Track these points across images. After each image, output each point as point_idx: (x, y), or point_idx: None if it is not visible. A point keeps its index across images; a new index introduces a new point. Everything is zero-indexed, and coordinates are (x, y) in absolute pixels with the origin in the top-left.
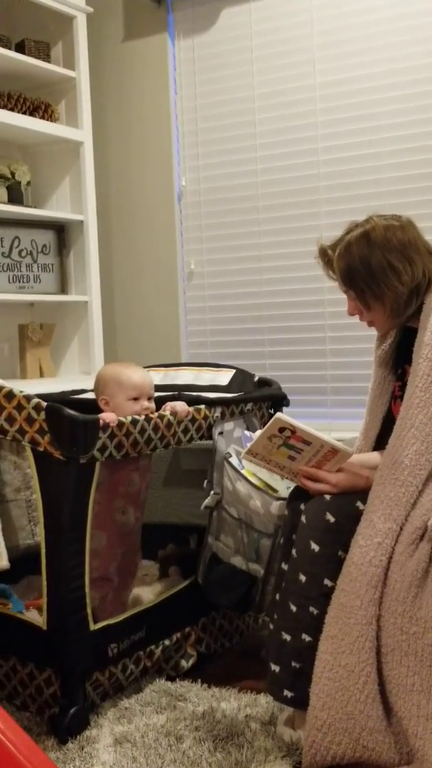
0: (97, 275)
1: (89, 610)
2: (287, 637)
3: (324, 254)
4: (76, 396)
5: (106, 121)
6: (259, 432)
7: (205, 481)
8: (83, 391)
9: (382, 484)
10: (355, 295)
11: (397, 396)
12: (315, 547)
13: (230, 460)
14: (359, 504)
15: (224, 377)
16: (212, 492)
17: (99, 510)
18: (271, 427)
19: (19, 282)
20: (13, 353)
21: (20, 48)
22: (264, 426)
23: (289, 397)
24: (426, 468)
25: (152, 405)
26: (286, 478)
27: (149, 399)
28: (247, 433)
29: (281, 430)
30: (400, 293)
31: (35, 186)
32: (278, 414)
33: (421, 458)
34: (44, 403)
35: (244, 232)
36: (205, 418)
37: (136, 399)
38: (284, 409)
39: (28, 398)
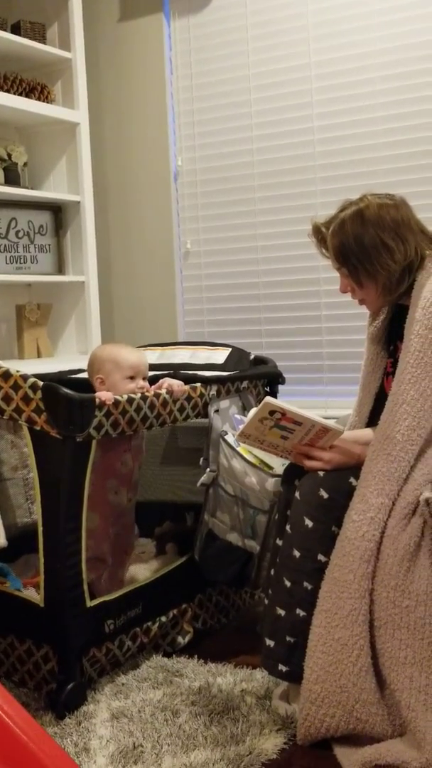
0: (93, 255)
1: (86, 587)
2: (282, 612)
3: (318, 232)
4: (74, 375)
5: (102, 102)
6: (252, 412)
7: (201, 459)
8: (81, 370)
9: (375, 460)
10: (348, 273)
11: (389, 372)
12: (309, 522)
13: (226, 437)
14: (352, 480)
15: (220, 355)
16: (208, 469)
17: (92, 491)
18: (261, 410)
19: (17, 263)
20: (10, 333)
21: (16, 29)
22: (258, 405)
23: (285, 375)
24: (418, 443)
25: (147, 384)
26: (281, 456)
27: (144, 379)
28: (237, 416)
29: (271, 412)
30: (393, 271)
31: (32, 167)
32: (267, 398)
33: (412, 433)
34: (40, 383)
35: (240, 212)
36: (201, 396)
37: (132, 378)
38: (280, 387)
39: (24, 377)
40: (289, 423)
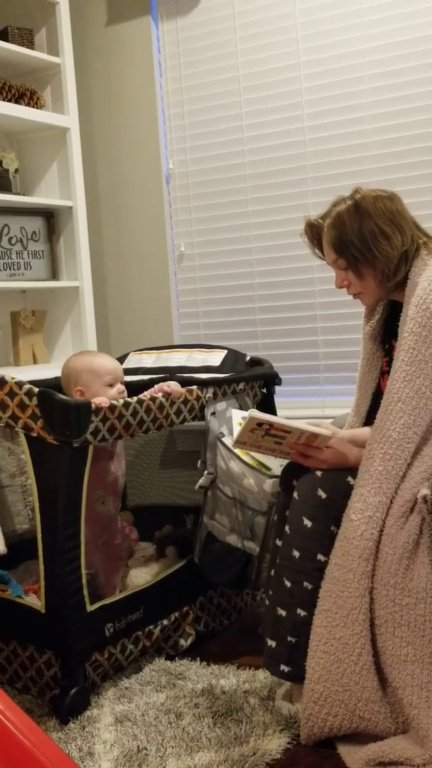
0: (87, 260)
1: (86, 592)
2: (282, 613)
3: (311, 227)
4: None
5: (93, 107)
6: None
7: (199, 462)
8: None
9: (372, 459)
10: (347, 263)
11: (385, 371)
12: (308, 522)
13: (223, 439)
14: (350, 479)
15: (216, 358)
16: (206, 472)
17: None
18: (249, 424)
19: (10, 269)
20: (6, 340)
21: (3, 35)
22: (254, 406)
23: (282, 376)
24: (414, 441)
25: (124, 389)
26: (280, 457)
27: (121, 383)
28: (234, 411)
29: (259, 424)
30: (391, 258)
31: (23, 173)
32: (251, 411)
33: (408, 431)
34: (36, 389)
35: (233, 213)
36: (198, 398)
37: (111, 385)
38: (276, 388)
39: (19, 384)
40: (279, 432)
